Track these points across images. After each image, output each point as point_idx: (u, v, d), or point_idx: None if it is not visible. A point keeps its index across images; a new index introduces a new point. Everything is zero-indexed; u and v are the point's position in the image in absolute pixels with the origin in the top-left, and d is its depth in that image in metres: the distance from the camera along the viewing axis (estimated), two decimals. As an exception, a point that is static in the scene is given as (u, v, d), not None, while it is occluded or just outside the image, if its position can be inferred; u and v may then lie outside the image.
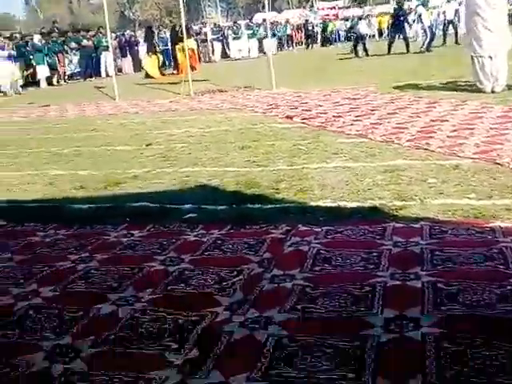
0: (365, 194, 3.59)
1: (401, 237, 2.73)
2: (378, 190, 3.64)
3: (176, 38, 18.43)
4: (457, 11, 18.84)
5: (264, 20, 22.04)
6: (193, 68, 14.72)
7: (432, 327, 1.86)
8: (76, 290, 2.49)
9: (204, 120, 7.42)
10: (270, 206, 3.56)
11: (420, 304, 2.03)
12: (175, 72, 18.09)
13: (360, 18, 21.18)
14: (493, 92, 7.13)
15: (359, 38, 17.64)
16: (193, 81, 11.16)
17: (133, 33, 23.19)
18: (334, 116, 6.61)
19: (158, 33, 20.91)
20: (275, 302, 2.18)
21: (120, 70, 19.51)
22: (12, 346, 2.02)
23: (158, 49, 18.38)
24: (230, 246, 2.85)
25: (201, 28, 24.53)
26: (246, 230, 3.10)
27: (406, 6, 18.95)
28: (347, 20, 29.80)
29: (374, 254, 2.56)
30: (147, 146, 5.97)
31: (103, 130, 7.26)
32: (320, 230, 2.96)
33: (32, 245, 3.16)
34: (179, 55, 18.42)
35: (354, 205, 3.41)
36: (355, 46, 17.63)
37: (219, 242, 2.94)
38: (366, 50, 17.48)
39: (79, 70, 19.05)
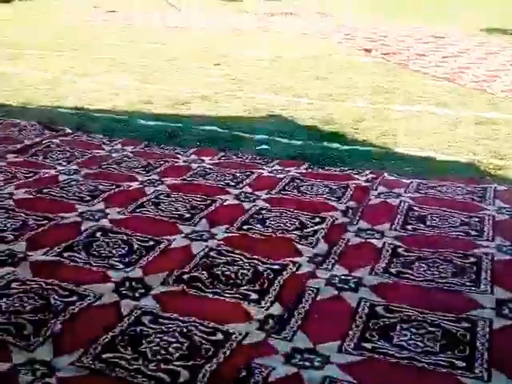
0: (456, 147, 3.25)
1: (505, 202, 2.43)
2: (472, 144, 3.29)
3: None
4: None
5: None
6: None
7: (557, 320, 1.61)
8: (146, 216, 2.32)
9: (274, 42, 7.01)
10: (349, 147, 3.28)
11: (537, 288, 1.77)
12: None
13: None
14: None
15: None
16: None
17: None
18: (417, 54, 6.10)
19: None
20: (364, 261, 1.96)
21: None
22: (79, 272, 1.88)
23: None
24: (310, 188, 2.61)
25: None
26: (326, 171, 2.84)
27: None
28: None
29: (475, 218, 2.28)
30: (215, 65, 5.66)
31: (169, 43, 6.95)
32: (409, 181, 2.68)
33: (98, 159, 3.00)
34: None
35: (446, 158, 3.08)
36: None
37: (297, 181, 2.70)
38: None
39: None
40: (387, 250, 2.03)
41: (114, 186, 2.60)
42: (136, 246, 2.05)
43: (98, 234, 2.14)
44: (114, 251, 2.01)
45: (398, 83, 4.78)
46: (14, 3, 11.07)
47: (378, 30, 8.05)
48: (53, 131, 3.42)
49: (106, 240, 2.09)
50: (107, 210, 2.35)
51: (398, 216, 2.31)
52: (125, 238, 2.11)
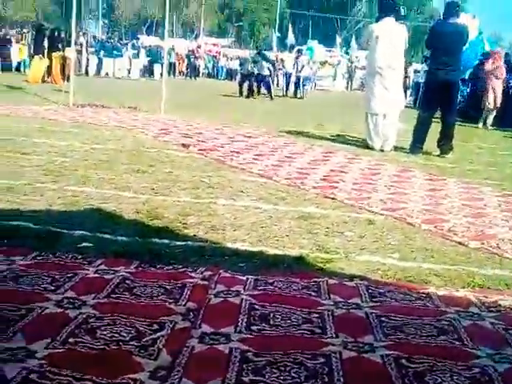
0: (284, 241, 3.30)
1: (339, 296, 2.46)
2: (297, 238, 3.37)
3: (54, 44, 17.25)
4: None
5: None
6: (68, 78, 13.91)
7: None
8: None
9: (88, 135, 6.75)
10: (179, 242, 3.12)
11: (390, 385, 1.74)
12: (48, 80, 16.87)
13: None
14: (381, 150, 7.35)
15: (251, 77, 17.71)
16: (65, 92, 10.34)
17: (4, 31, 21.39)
18: (232, 151, 6.34)
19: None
20: (213, 371, 1.77)
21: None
22: None
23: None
24: (143, 290, 2.37)
25: (78, 38, 23.27)
26: (158, 270, 2.64)
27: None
28: (231, 59, 30.52)
29: (315, 314, 2.25)
30: (23, 154, 5.21)
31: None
32: (245, 278, 2.60)
33: None
34: (54, 63, 17.29)
35: (276, 252, 3.09)
36: (241, 85, 17.81)
37: (127, 282, 2.45)
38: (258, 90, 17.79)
39: None
40: (235, 356, 1.87)
41: None
42: None
43: None
44: None
45: (218, 178, 4.85)
46: None
47: (192, 127, 8.29)
48: None
49: None
50: None
51: (241, 316, 2.18)
52: None
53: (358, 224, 3.79)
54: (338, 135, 8.71)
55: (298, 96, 19.60)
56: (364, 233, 3.59)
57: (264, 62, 17.52)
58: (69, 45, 14.96)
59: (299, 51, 21.71)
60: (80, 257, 2.73)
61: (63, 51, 16.73)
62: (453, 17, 7.28)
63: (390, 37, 7.26)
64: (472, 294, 2.56)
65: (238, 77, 19.30)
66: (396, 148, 7.51)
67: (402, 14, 8.49)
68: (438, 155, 7.26)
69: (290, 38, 33.43)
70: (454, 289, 2.64)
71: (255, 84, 17.41)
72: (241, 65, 18.75)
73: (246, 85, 17.60)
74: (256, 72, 17.30)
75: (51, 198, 3.83)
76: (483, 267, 3.01)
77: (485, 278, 2.84)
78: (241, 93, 17.46)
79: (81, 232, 3.14)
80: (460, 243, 3.45)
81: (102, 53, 22.97)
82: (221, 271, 2.65)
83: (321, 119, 11.32)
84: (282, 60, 23.47)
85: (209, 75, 31.73)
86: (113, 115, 9.08)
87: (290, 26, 42.63)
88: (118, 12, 69.91)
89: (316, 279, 2.65)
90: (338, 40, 37.37)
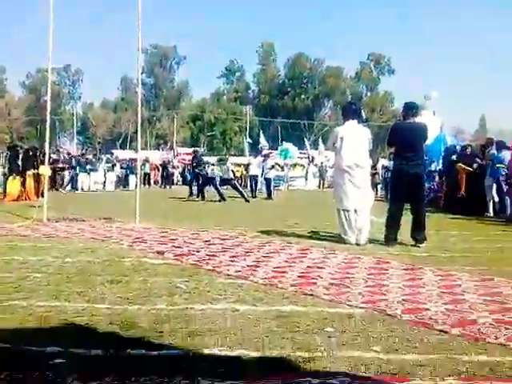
0: (263, 343, 3.22)
1: (323, 396, 2.37)
2: (277, 338, 3.29)
3: (28, 163, 17.53)
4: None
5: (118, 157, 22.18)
6: (43, 195, 14.00)
7: None
8: None
9: (62, 248, 6.68)
10: (155, 352, 3.02)
11: None
12: (23, 197, 16.95)
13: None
14: (357, 244, 7.41)
15: (214, 180, 17.99)
16: (39, 207, 10.36)
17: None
18: (207, 255, 6.31)
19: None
20: None
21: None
22: None
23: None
24: (117, 406, 2.26)
25: (58, 156, 23.77)
26: (133, 382, 2.53)
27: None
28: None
29: (299, 417, 2.16)
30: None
31: None
32: (225, 385, 2.50)
33: None
34: (28, 180, 17.47)
35: (256, 354, 3.00)
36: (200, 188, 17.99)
37: (100, 399, 2.33)
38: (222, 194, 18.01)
39: None
40: None
41: None
42: None
43: None
44: None
45: (195, 283, 4.79)
46: None
47: (168, 233, 8.30)
48: None
49: None
50: None
51: (221, 425, 2.07)
52: None
53: (338, 319, 3.73)
54: (313, 232, 8.77)
55: (270, 197, 19.98)
56: (345, 328, 3.53)
57: (229, 165, 17.97)
58: (43, 163, 15.22)
59: (265, 155, 22.52)
60: (51, 375, 2.61)
61: (37, 169, 16.94)
62: (412, 117, 7.65)
63: (355, 137, 7.59)
64: (457, 383, 2.49)
65: (200, 180, 18.60)
66: (371, 241, 7.59)
67: (364, 117, 8.97)
68: (413, 245, 7.33)
69: (263, 143, 34.84)
70: (440, 378, 2.58)
71: (219, 187, 17.68)
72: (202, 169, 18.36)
73: (208, 188, 17.93)
74: (220, 175, 17.68)
75: (22, 315, 3.71)
76: (466, 354, 2.96)
77: (469, 364, 2.79)
78: (192, 194, 17.68)
79: (53, 348, 3.02)
80: (442, 331, 3.41)
81: (76, 169, 23.31)
82: (199, 379, 2.55)
83: (295, 218, 11.46)
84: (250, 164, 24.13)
85: (183, 183, 32.23)
86: (87, 227, 9.06)
87: (260, 132, 44.43)
88: (92, 129, 72.31)
89: (299, 380, 2.56)
90: (307, 142, 38.96)
